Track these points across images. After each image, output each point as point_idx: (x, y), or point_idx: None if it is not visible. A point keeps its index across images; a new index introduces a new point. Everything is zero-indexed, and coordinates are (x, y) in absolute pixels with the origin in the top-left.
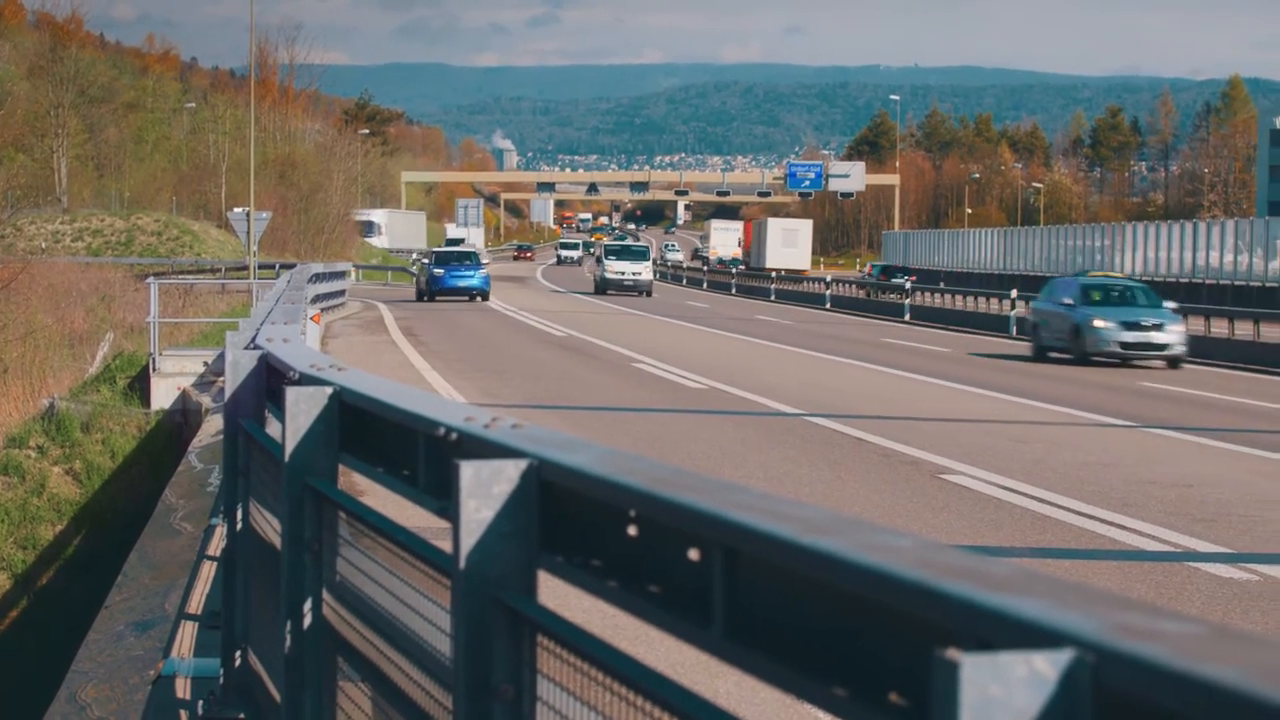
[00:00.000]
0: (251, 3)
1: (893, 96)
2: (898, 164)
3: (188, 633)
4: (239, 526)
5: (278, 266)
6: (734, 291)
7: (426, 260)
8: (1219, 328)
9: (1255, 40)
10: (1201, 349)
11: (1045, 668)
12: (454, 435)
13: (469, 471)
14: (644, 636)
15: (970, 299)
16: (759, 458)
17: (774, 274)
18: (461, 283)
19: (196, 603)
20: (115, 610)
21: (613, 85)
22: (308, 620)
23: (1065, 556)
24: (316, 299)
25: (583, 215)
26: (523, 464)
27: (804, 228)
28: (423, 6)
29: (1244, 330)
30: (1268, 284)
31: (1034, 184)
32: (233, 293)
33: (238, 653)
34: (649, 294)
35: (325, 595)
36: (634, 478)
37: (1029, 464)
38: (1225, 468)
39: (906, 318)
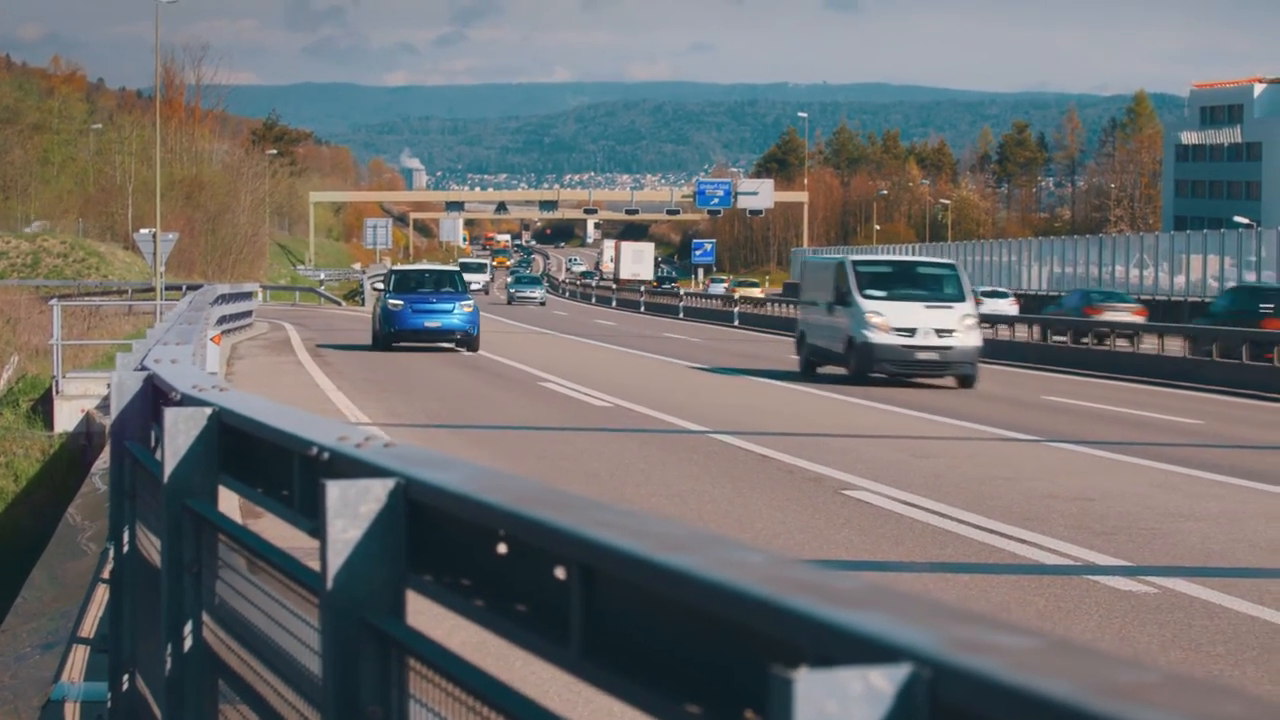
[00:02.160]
0: (157, 23)
1: (801, 114)
2: (806, 181)
3: (80, 656)
4: (126, 549)
5: (185, 287)
6: (643, 310)
7: (380, 287)
8: (1121, 341)
9: (1160, 56)
10: (1105, 362)
11: (882, 683)
12: (326, 455)
13: (335, 491)
14: (525, 656)
15: None
16: (662, 475)
17: (681, 291)
18: (433, 321)
19: (90, 625)
20: (16, 632)
21: (522, 104)
22: (188, 643)
23: (965, 571)
24: (222, 320)
25: (500, 236)
26: (390, 483)
27: (648, 249)
28: (330, 26)
29: (1149, 344)
30: (1173, 298)
31: (942, 200)
32: (140, 314)
33: (125, 676)
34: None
35: (205, 618)
36: (496, 496)
37: (931, 478)
38: (1126, 481)
39: None
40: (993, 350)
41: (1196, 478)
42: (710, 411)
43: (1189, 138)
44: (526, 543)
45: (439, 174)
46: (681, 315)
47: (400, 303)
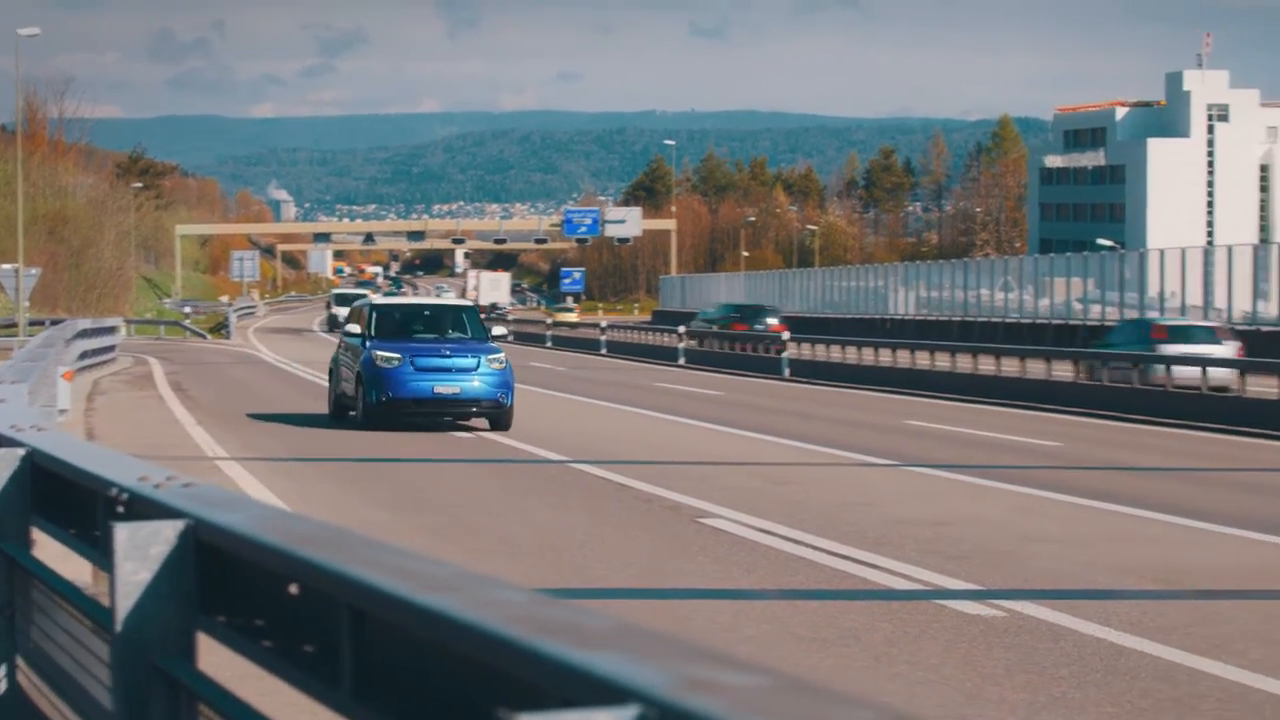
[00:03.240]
0: (17, 56)
1: (668, 141)
2: (674, 208)
3: None
4: None
5: (48, 322)
6: (510, 339)
7: (355, 331)
8: (986, 365)
9: (1023, 80)
10: (970, 386)
11: None
12: (124, 495)
13: (124, 533)
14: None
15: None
16: (520, 505)
17: (550, 321)
18: (448, 385)
19: None
20: None
21: (390, 134)
22: (3, 686)
23: (815, 598)
24: (84, 355)
25: (370, 267)
26: (180, 524)
27: (504, 277)
28: (195, 58)
29: (1011, 367)
30: (1038, 320)
31: (809, 226)
32: (2, 350)
33: None
34: None
35: (19, 661)
36: (278, 537)
37: (788, 505)
38: (983, 505)
39: (681, 361)
40: (867, 376)
41: (1052, 500)
42: (572, 439)
43: (1053, 161)
44: (307, 584)
45: (307, 205)
46: (549, 344)
47: (395, 356)
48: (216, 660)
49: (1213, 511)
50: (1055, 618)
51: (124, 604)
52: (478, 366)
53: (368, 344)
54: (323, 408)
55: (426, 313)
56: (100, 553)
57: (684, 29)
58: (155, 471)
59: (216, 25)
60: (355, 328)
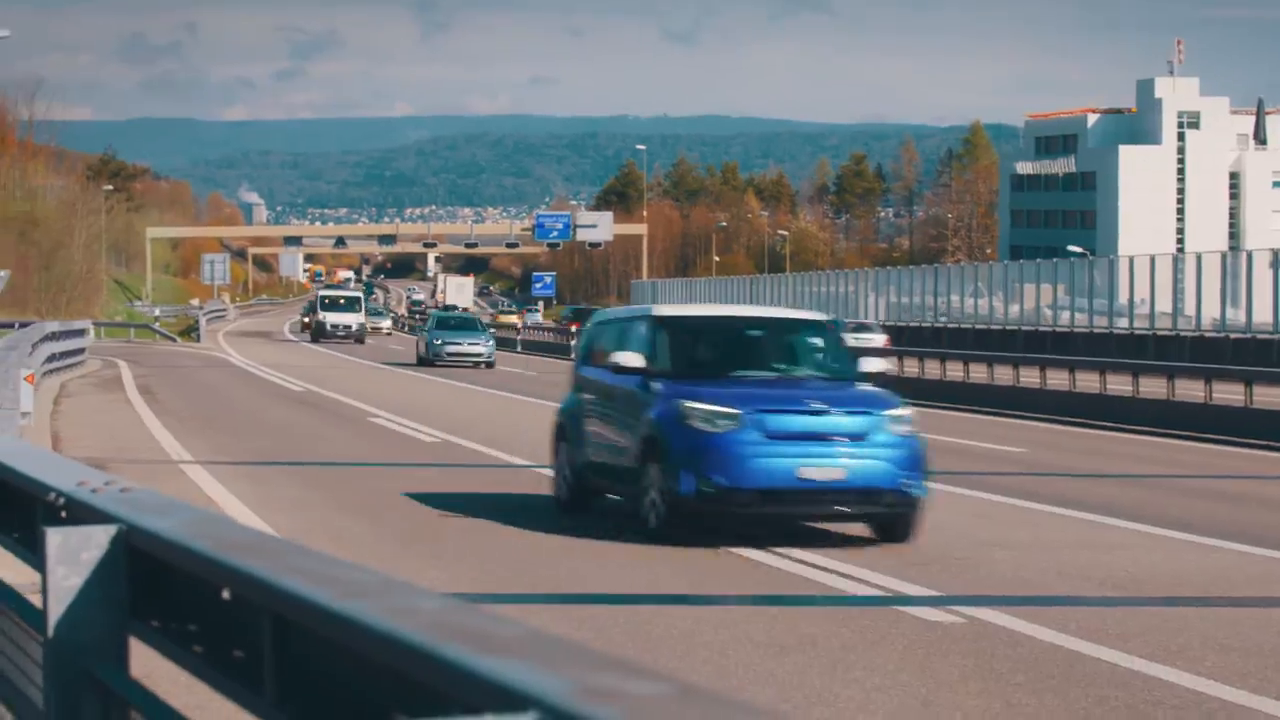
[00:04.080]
0: None
1: (639, 146)
2: (645, 213)
3: None
4: None
5: (16, 325)
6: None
7: (626, 363)
8: (954, 370)
9: (995, 87)
10: (939, 392)
11: None
12: (61, 500)
13: (56, 539)
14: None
15: None
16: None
17: (519, 326)
18: (825, 467)
19: None
20: None
21: (362, 138)
22: None
23: (776, 603)
24: (52, 358)
25: (342, 271)
26: (112, 529)
27: (469, 281)
28: (168, 61)
29: (979, 373)
30: (1008, 327)
31: (780, 231)
32: None
33: None
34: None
35: None
36: (206, 543)
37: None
38: (946, 511)
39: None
40: None
41: (1014, 506)
42: (540, 445)
43: (1024, 168)
44: (234, 590)
45: (279, 209)
46: (520, 349)
47: (730, 413)
48: (163, 666)
49: (1176, 518)
50: (1014, 624)
51: (56, 609)
52: (870, 432)
53: (659, 386)
54: (296, 412)
55: (754, 331)
56: (37, 557)
57: (655, 34)
58: (94, 476)
59: (189, 27)
60: (625, 357)
